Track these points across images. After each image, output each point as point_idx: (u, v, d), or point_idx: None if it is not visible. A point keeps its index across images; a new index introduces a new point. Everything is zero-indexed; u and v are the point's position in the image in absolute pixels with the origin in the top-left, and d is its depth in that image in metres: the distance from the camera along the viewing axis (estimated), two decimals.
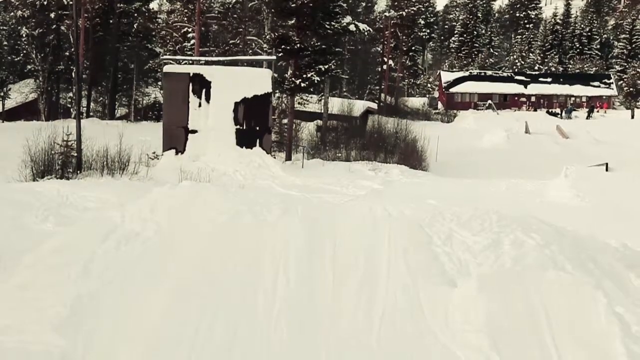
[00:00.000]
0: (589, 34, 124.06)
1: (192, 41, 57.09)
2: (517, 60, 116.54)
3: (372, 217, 12.60)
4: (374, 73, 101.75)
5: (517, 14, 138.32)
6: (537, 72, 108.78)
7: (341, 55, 69.16)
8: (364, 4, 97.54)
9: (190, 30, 57.82)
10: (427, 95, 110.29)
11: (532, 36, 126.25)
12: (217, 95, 33.21)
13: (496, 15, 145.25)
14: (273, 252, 10.73)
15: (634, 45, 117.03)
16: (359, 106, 63.35)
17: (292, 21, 46.18)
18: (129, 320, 8.92)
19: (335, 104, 56.57)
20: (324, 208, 14.16)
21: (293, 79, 44.40)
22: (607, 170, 34.43)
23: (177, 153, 32.95)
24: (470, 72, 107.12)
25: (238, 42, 60.04)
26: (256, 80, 34.21)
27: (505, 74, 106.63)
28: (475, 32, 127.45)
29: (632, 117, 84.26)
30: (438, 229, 11.82)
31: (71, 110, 62.04)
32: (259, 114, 33.81)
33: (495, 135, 59.53)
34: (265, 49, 53.61)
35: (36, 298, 9.15)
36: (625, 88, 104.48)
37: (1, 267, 10.47)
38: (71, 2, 51.06)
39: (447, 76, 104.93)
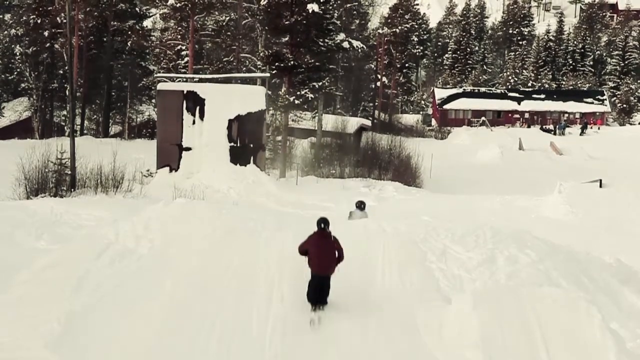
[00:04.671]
0: (582, 50, 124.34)
1: (186, 59, 57.07)
2: (510, 77, 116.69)
3: (366, 233, 12.61)
4: (367, 90, 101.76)
5: (510, 31, 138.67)
6: (530, 89, 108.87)
7: (335, 72, 69.22)
8: (357, 21, 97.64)
9: (184, 48, 57.80)
10: (421, 112, 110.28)
11: (525, 53, 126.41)
12: (211, 112, 33.11)
13: (489, 32, 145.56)
14: (267, 268, 10.72)
15: (626, 62, 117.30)
16: (352, 123, 63.33)
17: (286, 38, 46.28)
18: (122, 337, 8.90)
19: (329, 121, 56.57)
20: None
21: (287, 96, 44.45)
22: (600, 186, 34.41)
23: (171, 170, 32.83)
24: (464, 89, 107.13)
25: (232, 59, 60.05)
26: (250, 98, 34.16)
27: (498, 91, 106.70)
28: (468, 49, 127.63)
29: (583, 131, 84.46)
30: (432, 245, 11.82)
31: (65, 128, 61.94)
32: (253, 131, 33.76)
33: (489, 152, 59.52)
34: (259, 67, 53.63)
35: (30, 314, 9.13)
36: (619, 104, 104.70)
37: None
38: (65, 21, 51.10)
39: (440, 93, 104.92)
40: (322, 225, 10.53)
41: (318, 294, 10.22)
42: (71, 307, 9.35)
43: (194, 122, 33.26)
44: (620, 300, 11.18)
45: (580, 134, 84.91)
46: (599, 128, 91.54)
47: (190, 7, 52.04)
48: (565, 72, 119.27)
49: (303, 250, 10.25)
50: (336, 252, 10.62)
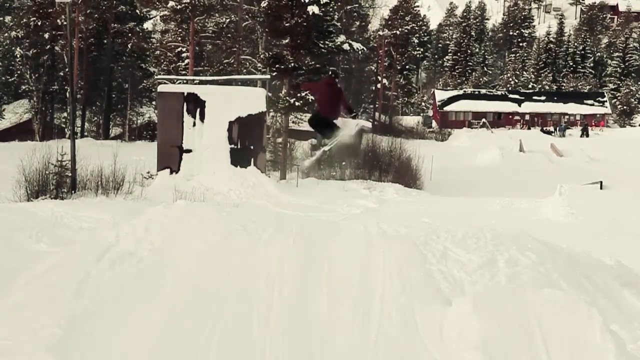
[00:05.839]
0: (583, 52, 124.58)
1: (186, 61, 57.17)
2: (511, 79, 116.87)
3: (366, 235, 12.60)
4: (368, 92, 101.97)
5: (511, 33, 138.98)
6: (531, 91, 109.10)
7: (335, 74, 69.30)
8: (357, 23, 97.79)
9: (184, 49, 57.91)
10: (422, 114, 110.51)
11: (525, 55, 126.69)
12: (211, 114, 33.14)
13: (490, 34, 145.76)
14: (267, 271, 10.71)
15: (627, 64, 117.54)
16: (353, 125, 63.50)
17: (286, 40, 46.32)
18: (123, 340, 8.90)
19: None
20: (318, 226, 14.15)
21: (287, 97, 44.48)
22: (601, 188, 34.43)
23: (171, 172, 32.86)
24: (464, 91, 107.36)
25: (232, 61, 60.13)
26: (250, 100, 34.18)
27: (499, 93, 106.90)
28: (469, 51, 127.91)
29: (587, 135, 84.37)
30: (433, 247, 11.81)
31: (65, 130, 62.03)
32: (253, 133, 33.78)
33: (490, 154, 59.59)
34: (259, 68, 53.70)
35: (30, 318, 9.12)
36: (619, 106, 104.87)
37: None
38: (65, 23, 51.21)
39: (441, 95, 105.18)
40: (331, 74, 13.21)
41: (326, 129, 12.97)
42: (72, 310, 9.34)
43: (194, 124, 33.30)
44: (621, 302, 11.19)
45: (581, 136, 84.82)
46: (601, 130, 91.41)
47: (191, 9, 52.13)
48: (566, 74, 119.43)
49: (310, 87, 13.36)
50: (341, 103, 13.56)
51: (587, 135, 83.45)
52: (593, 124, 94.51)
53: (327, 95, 13.85)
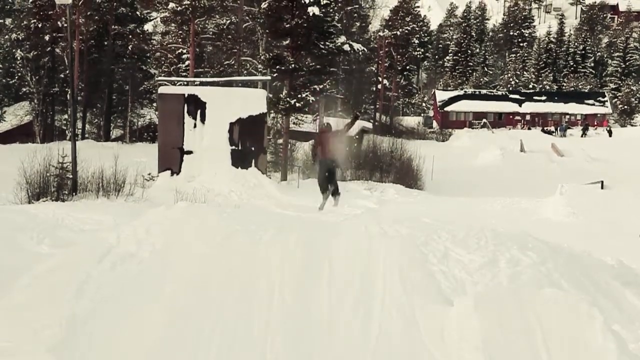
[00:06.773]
0: (583, 52, 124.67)
1: (187, 62, 57.20)
2: (511, 79, 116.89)
3: (367, 236, 12.59)
4: (368, 92, 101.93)
5: (511, 33, 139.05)
6: (531, 91, 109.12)
7: (336, 75, 69.29)
8: (358, 24, 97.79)
9: (184, 51, 57.92)
10: (422, 115, 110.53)
11: (526, 55, 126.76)
12: (212, 115, 33.16)
13: (490, 34, 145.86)
14: (268, 272, 10.71)
15: (627, 63, 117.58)
16: (353, 126, 63.59)
17: (287, 41, 46.33)
18: (123, 341, 8.90)
19: (330, 124, 56.66)
20: (319, 227, 14.14)
21: (288, 99, 44.47)
22: (602, 187, 34.46)
23: (172, 174, 32.88)
24: (465, 91, 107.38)
25: (233, 62, 60.14)
26: (251, 101, 34.19)
27: (499, 93, 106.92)
28: (469, 51, 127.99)
29: (610, 135, 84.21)
30: (434, 248, 11.80)
31: (66, 132, 62.06)
32: (254, 134, 33.78)
33: (490, 154, 59.64)
34: (260, 70, 53.72)
35: (30, 319, 9.13)
36: (620, 106, 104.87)
37: None
38: (66, 25, 51.25)
39: (441, 95, 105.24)
40: (325, 124, 18.63)
41: (327, 179, 17.49)
42: (73, 311, 9.34)
43: (195, 126, 33.33)
44: (622, 302, 11.17)
45: (582, 135, 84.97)
46: (604, 129, 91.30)
47: (191, 11, 52.20)
48: (566, 74, 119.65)
49: (315, 146, 17.95)
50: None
51: (610, 135, 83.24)
52: (595, 123, 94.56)
53: (324, 141, 18.91)
